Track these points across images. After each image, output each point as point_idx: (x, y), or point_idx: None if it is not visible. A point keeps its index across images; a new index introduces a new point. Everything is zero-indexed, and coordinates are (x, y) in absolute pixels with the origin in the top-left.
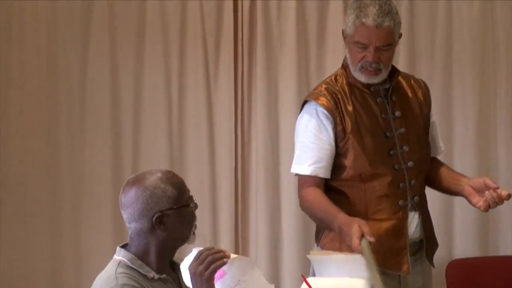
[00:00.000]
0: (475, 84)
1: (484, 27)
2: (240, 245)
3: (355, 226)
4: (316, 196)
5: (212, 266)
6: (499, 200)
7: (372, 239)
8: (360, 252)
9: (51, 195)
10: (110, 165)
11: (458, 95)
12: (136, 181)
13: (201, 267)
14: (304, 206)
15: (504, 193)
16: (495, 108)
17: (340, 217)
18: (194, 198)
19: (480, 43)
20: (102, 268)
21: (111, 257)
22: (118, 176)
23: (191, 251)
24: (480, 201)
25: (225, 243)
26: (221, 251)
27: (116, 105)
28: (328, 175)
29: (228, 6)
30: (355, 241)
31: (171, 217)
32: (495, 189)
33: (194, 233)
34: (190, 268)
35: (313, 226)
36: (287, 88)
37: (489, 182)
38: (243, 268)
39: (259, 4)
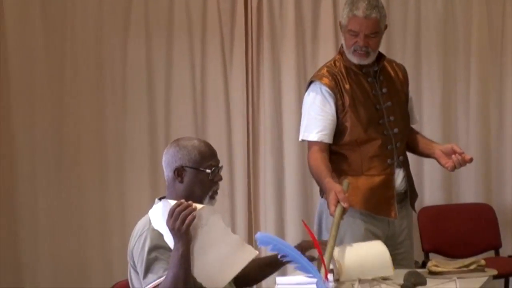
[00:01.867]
0: (439, 64)
1: (445, 17)
2: (252, 194)
3: (332, 194)
4: (316, 161)
5: (187, 221)
6: (463, 163)
7: (345, 205)
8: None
9: (100, 160)
10: (147, 134)
11: (425, 74)
12: (178, 140)
13: (178, 223)
14: (309, 169)
15: (467, 157)
16: (455, 84)
17: (325, 181)
18: (217, 170)
19: (442, 31)
20: (141, 216)
21: (148, 208)
22: (153, 143)
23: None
24: (448, 162)
25: (239, 194)
26: (189, 205)
27: (151, 85)
28: (331, 140)
29: (240, 4)
30: (331, 208)
31: (188, 175)
32: (460, 154)
33: (212, 198)
34: (168, 225)
35: (310, 180)
36: (288, 70)
37: (456, 147)
38: (208, 214)
39: (265, 3)
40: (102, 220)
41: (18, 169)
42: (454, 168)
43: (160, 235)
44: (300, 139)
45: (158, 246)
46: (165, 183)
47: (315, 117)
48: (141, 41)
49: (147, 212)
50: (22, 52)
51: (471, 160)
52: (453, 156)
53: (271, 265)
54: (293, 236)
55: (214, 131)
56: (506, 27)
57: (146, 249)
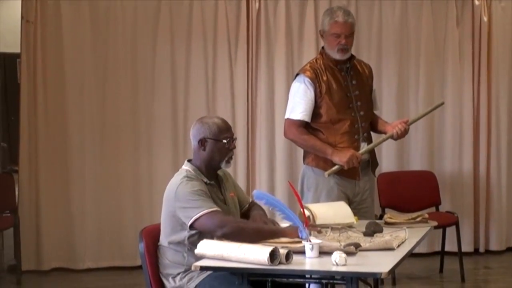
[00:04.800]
0: (396, 62)
1: (401, 27)
2: (250, 160)
3: (351, 152)
4: (308, 133)
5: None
6: (402, 127)
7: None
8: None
9: (134, 133)
10: (170, 114)
11: (385, 69)
12: (202, 118)
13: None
14: (297, 137)
15: (403, 120)
16: (408, 77)
17: (331, 151)
18: (232, 141)
19: (399, 37)
20: (166, 179)
21: (172, 173)
22: (175, 121)
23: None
24: (391, 130)
25: (240, 160)
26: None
27: (174, 77)
28: (310, 119)
29: (243, 16)
30: (355, 162)
31: (209, 144)
32: (401, 123)
33: (228, 162)
34: (301, 232)
35: (294, 150)
36: (279, 65)
37: (400, 120)
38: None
39: (262, 14)
40: (134, 180)
41: (71, 142)
42: (397, 135)
43: (198, 184)
44: (285, 117)
45: (201, 189)
46: (183, 150)
47: (299, 101)
48: (167, 43)
49: (169, 173)
50: (75, 53)
51: (407, 120)
52: (396, 126)
53: None
54: (281, 193)
55: (222, 112)
56: (447, 35)
57: (191, 190)
